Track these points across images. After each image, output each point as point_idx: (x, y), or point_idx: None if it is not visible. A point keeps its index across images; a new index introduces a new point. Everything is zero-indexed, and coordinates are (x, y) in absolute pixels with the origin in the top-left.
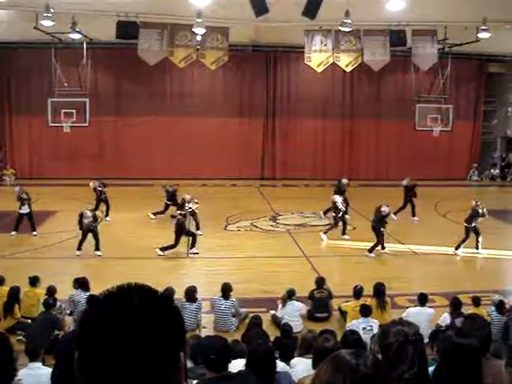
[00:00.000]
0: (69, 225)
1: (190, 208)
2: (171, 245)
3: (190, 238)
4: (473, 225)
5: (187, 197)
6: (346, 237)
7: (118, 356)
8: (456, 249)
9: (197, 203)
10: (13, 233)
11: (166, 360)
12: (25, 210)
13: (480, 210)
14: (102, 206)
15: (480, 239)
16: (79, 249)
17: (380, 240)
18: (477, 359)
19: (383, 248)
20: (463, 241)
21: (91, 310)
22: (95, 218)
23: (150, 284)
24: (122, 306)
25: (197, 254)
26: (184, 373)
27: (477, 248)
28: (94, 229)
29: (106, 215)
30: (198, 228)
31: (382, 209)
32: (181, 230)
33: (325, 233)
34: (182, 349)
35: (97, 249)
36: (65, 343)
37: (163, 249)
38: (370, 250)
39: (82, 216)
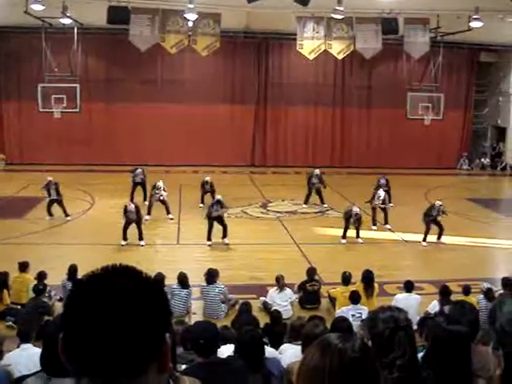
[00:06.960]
0: (58, 211)
1: (161, 195)
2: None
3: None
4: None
5: (158, 184)
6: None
7: (102, 337)
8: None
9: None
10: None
11: (150, 341)
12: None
13: None
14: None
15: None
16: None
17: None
18: (466, 345)
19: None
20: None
21: (75, 291)
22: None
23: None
24: (105, 287)
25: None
26: (172, 355)
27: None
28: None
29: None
30: (168, 212)
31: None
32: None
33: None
34: (168, 330)
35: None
36: (53, 326)
37: None
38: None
39: (125, 209)
